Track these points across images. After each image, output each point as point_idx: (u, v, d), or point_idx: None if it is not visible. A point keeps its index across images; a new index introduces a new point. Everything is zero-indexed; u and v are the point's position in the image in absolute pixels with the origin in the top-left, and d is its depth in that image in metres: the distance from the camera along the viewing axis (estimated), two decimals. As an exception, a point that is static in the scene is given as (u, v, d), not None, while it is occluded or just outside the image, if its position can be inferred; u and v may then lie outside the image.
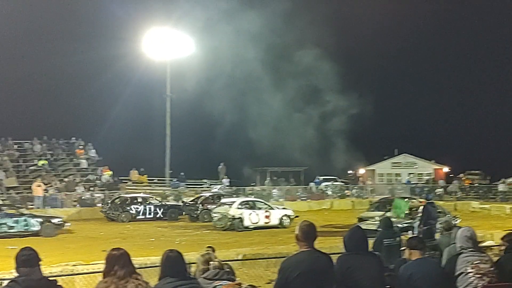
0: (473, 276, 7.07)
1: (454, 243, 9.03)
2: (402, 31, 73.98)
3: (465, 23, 79.83)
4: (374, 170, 68.35)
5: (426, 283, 7.01)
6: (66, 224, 30.73)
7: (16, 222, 29.15)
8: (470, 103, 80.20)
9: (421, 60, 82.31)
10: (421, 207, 23.30)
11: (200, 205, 37.97)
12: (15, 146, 51.36)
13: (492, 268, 7.18)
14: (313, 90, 58.68)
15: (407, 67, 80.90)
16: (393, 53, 75.34)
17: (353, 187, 54.94)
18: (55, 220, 30.22)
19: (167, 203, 41.00)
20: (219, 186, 48.93)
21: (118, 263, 5.54)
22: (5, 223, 28.89)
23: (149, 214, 37.72)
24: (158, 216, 37.79)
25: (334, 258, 6.75)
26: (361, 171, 68.60)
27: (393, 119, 76.63)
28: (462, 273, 7.14)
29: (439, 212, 25.35)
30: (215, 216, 32.32)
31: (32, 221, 29.42)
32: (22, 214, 30.00)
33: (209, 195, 40.86)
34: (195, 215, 37.43)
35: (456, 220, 26.32)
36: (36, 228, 29.25)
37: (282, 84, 57.71)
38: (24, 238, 27.27)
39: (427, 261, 7.55)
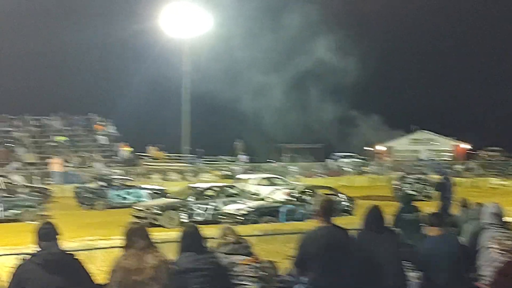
0: (496, 252, 7.01)
1: (473, 219, 8.97)
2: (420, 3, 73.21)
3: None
4: (392, 146, 68.08)
5: (445, 259, 6.99)
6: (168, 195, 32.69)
7: (128, 193, 30.92)
8: (490, 78, 79.42)
9: (440, 33, 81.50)
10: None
11: None
12: (34, 122, 51.69)
13: (516, 245, 7.11)
14: (330, 67, 58.40)
15: (425, 41, 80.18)
16: (411, 24, 74.69)
17: (371, 163, 54.72)
18: (160, 192, 32.17)
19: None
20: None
21: (137, 235, 5.58)
22: (118, 195, 30.67)
23: None
24: None
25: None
26: (379, 147, 68.35)
27: (412, 95, 76.11)
28: (484, 248, 7.09)
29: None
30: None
31: (142, 192, 31.26)
32: (133, 186, 31.93)
33: None
34: None
35: None
36: (145, 199, 30.79)
37: (299, 61, 57.46)
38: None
39: (446, 237, 7.50)
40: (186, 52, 55.34)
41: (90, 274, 5.79)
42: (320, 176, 47.85)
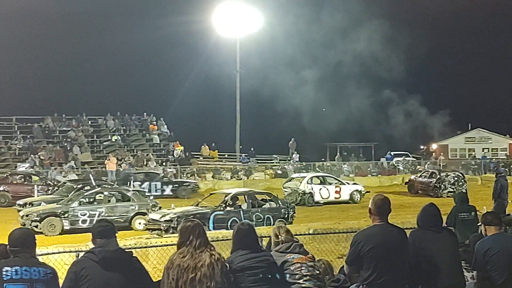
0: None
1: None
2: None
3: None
4: (447, 145, 67.05)
5: (503, 258, 6.89)
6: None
7: None
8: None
9: (493, 29, 79.76)
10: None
11: None
12: (89, 122, 52.61)
13: None
14: (382, 67, 57.85)
15: (479, 37, 78.67)
16: (464, 22, 73.33)
17: (425, 162, 53.98)
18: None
19: (176, 179, 38.97)
20: (27, 165, 41.04)
21: (193, 233, 5.64)
22: None
23: (155, 191, 34.37)
24: (165, 193, 34.76)
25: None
26: (434, 146, 67.42)
27: (467, 92, 74.77)
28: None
29: None
30: (285, 191, 32.38)
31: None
32: None
33: (7, 175, 35.49)
34: None
35: None
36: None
37: (350, 60, 57.06)
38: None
39: (504, 236, 7.40)
40: (239, 51, 55.57)
41: (148, 272, 5.85)
42: (374, 175, 47.50)
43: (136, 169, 42.34)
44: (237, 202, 22.11)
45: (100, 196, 23.96)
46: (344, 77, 58.35)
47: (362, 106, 58.34)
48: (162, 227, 19.76)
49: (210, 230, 18.83)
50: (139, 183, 34.86)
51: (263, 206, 22.23)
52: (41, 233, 21.22)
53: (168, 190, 34.53)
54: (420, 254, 6.57)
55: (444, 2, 69.11)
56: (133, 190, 25.76)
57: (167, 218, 20.31)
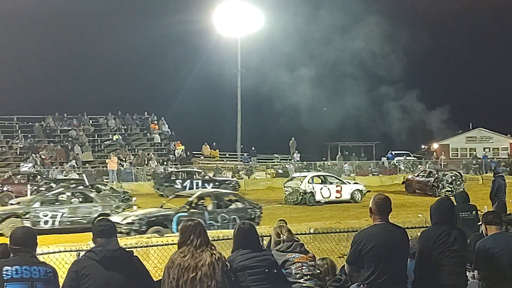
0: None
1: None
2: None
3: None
4: (448, 144, 67.05)
5: (504, 258, 6.87)
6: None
7: None
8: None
9: (495, 28, 79.72)
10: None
11: None
12: (90, 121, 52.65)
13: None
14: (383, 66, 57.81)
15: (479, 36, 78.59)
16: (466, 21, 73.32)
17: (427, 162, 53.94)
18: None
19: (218, 178, 38.99)
20: (30, 165, 41.32)
21: (194, 232, 5.64)
22: None
23: (197, 189, 32.93)
24: None
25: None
26: (435, 145, 67.41)
27: (468, 92, 74.73)
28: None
29: None
30: (286, 191, 32.35)
31: None
32: None
33: (10, 175, 36.00)
34: None
35: None
36: None
37: (351, 59, 57.02)
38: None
39: (505, 235, 7.38)
40: (240, 50, 55.55)
41: (149, 272, 5.85)
42: (375, 174, 47.47)
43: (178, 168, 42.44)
44: (203, 203, 21.56)
45: (63, 197, 23.31)
46: (345, 76, 58.33)
47: (362, 105, 58.37)
48: (123, 230, 18.91)
49: (173, 232, 18.27)
50: (181, 181, 35.61)
51: (229, 207, 21.50)
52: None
53: (209, 188, 34.46)
54: (426, 255, 6.54)
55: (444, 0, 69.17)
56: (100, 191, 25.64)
57: (128, 220, 19.45)
